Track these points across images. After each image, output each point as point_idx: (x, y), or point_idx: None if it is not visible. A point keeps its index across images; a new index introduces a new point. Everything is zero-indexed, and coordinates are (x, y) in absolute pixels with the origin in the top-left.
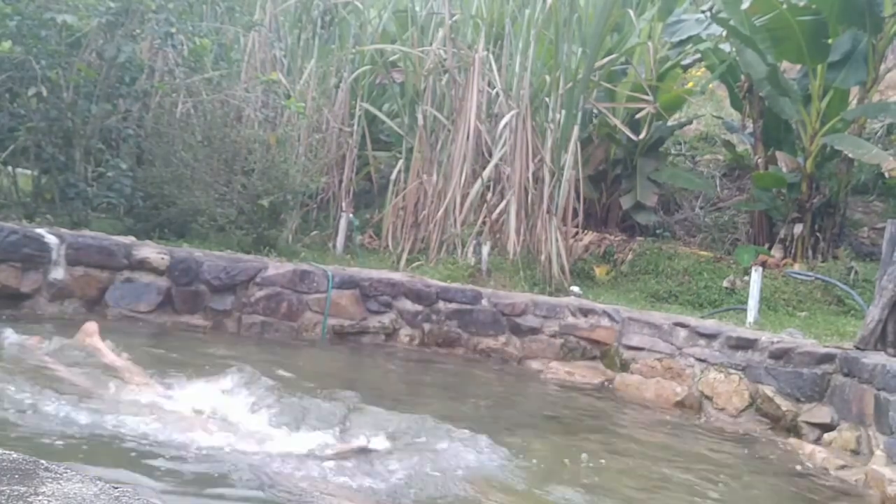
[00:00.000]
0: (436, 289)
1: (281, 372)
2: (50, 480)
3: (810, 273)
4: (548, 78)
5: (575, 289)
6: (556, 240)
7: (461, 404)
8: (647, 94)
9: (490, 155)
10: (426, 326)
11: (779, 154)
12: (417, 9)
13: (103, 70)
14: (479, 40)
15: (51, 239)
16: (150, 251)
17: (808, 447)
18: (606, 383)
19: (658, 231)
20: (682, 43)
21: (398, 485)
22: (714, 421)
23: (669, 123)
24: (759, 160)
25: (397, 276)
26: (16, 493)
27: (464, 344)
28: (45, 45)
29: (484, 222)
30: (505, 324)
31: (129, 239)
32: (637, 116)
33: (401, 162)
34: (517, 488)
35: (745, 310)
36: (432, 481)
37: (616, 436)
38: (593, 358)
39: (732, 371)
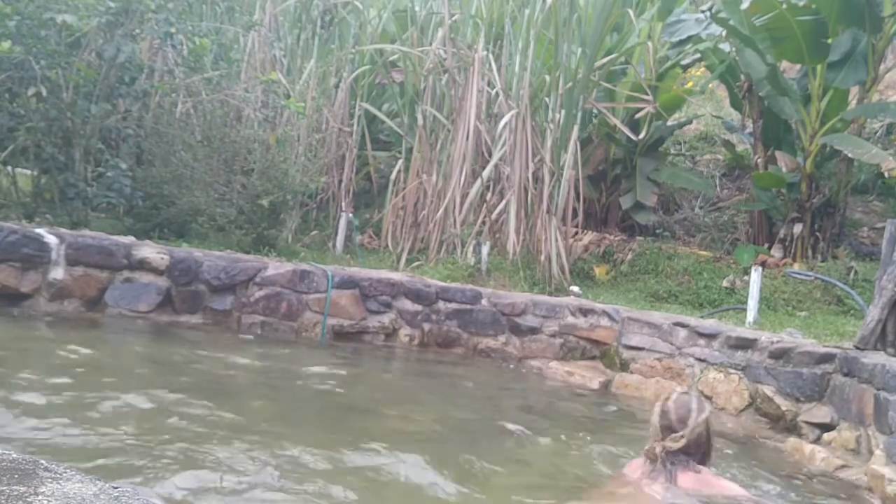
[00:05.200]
0: (435, 289)
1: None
2: (49, 480)
3: (810, 273)
4: (547, 78)
5: (575, 288)
6: (556, 240)
7: (460, 405)
8: (647, 94)
9: (490, 155)
10: (426, 326)
11: (778, 154)
12: (417, 9)
13: (103, 70)
14: (478, 40)
15: (50, 239)
16: (150, 251)
17: (808, 447)
18: (606, 383)
19: (658, 231)
20: (681, 43)
21: None
22: (713, 421)
23: (669, 123)
24: (759, 160)
25: (397, 276)
26: (16, 493)
27: (463, 344)
28: (45, 45)
29: (484, 222)
30: (505, 323)
31: (129, 239)
32: (637, 116)
33: (400, 162)
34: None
35: (744, 310)
36: None
37: (613, 434)
38: (593, 358)
39: (732, 371)
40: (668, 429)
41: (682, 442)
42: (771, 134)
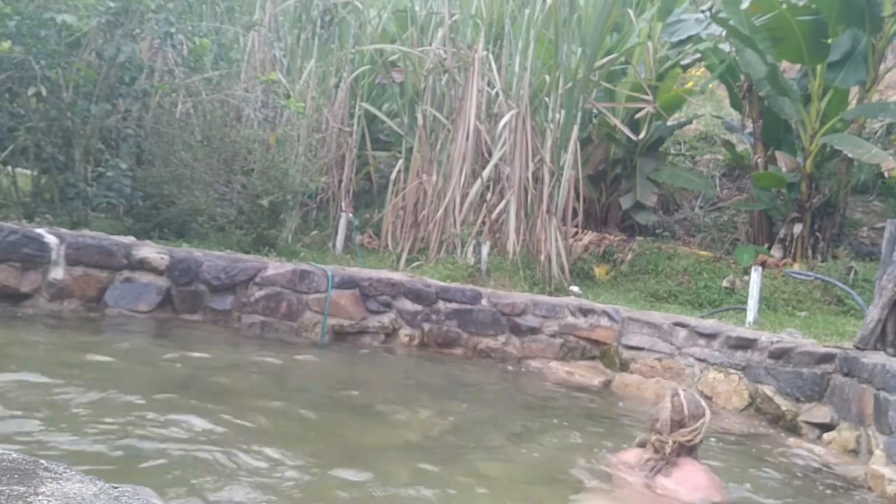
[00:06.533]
0: (435, 288)
1: None
2: (49, 480)
3: (810, 273)
4: (547, 78)
5: (574, 288)
6: (556, 240)
7: (459, 404)
8: (647, 94)
9: (490, 155)
10: (426, 326)
11: (778, 154)
12: (417, 9)
13: (103, 70)
14: (478, 40)
15: (50, 239)
16: (150, 251)
17: (808, 447)
18: (606, 383)
19: (658, 231)
20: (681, 43)
21: None
22: (713, 421)
23: (669, 123)
24: (759, 160)
25: (397, 276)
26: (16, 493)
27: (463, 344)
28: (45, 45)
29: (483, 222)
30: (505, 323)
31: (129, 239)
32: (637, 116)
33: (400, 162)
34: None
35: (744, 310)
36: None
37: (613, 434)
38: (593, 358)
39: (732, 371)
40: (679, 423)
41: (697, 437)
42: (771, 134)
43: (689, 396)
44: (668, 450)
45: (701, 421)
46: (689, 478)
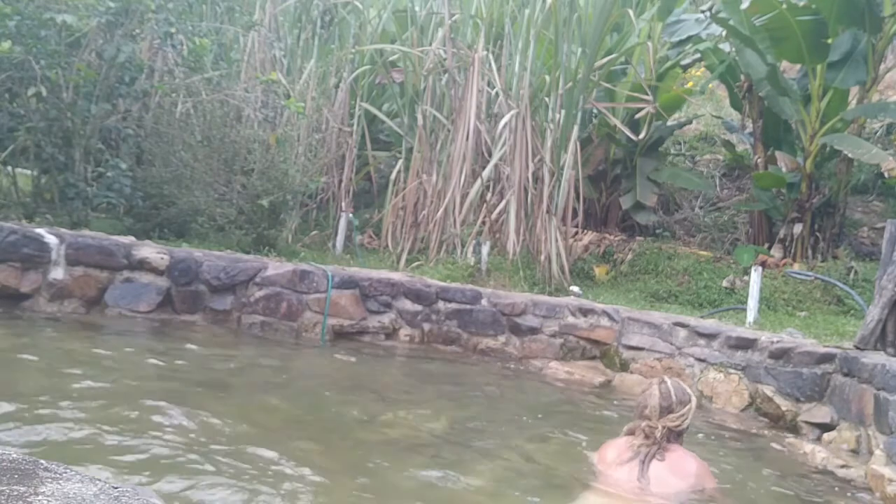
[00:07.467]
0: (435, 289)
1: None
2: (49, 480)
3: (810, 273)
4: (547, 78)
5: (574, 289)
6: (556, 240)
7: (459, 405)
8: (647, 94)
9: (490, 155)
10: (426, 326)
11: (778, 154)
12: (417, 9)
13: (103, 70)
14: (478, 40)
15: (50, 239)
16: (150, 251)
17: (808, 447)
18: (606, 383)
19: (658, 231)
20: (681, 43)
21: None
22: (714, 421)
23: (669, 123)
24: (759, 160)
25: (397, 276)
26: (15, 493)
27: (463, 344)
28: (45, 45)
29: (483, 222)
30: (504, 323)
31: (129, 239)
32: (637, 116)
33: (400, 162)
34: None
35: (744, 310)
36: None
37: (613, 434)
38: (593, 358)
39: (732, 371)
40: (668, 409)
41: (685, 422)
42: (771, 134)
43: (675, 383)
44: (658, 434)
45: (688, 406)
46: (681, 463)
